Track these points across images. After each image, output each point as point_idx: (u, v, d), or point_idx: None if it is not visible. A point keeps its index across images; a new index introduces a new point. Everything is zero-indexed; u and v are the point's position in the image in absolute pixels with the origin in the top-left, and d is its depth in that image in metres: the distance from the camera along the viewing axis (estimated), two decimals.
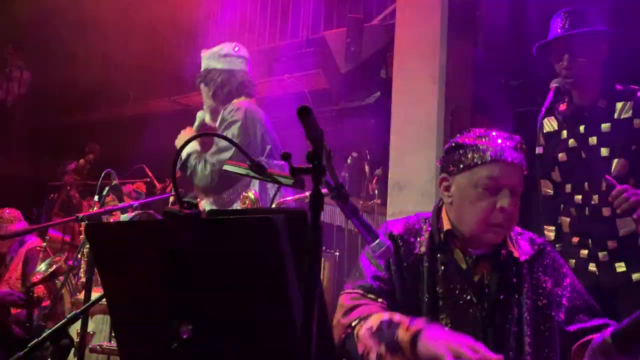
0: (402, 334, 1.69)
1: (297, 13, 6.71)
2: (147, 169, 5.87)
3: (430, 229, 1.97)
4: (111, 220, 3.66)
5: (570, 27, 2.71)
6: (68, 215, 4.21)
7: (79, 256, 3.68)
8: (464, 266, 1.93)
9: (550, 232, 2.89)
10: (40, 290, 4.77)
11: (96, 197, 3.61)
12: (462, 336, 1.66)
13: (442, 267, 1.91)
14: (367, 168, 5.09)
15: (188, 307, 1.31)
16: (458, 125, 3.97)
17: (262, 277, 1.26)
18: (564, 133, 2.82)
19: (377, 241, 1.52)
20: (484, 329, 1.87)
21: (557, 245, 2.85)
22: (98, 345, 3.13)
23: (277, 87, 6.01)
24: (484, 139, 1.90)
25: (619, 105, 2.71)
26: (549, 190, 2.90)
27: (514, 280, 1.92)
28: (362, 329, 1.76)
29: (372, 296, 1.87)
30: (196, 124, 3.65)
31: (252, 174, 1.50)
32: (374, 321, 1.74)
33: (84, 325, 2.71)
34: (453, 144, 1.96)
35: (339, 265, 4.80)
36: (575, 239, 2.80)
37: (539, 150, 2.78)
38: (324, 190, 1.29)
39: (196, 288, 1.31)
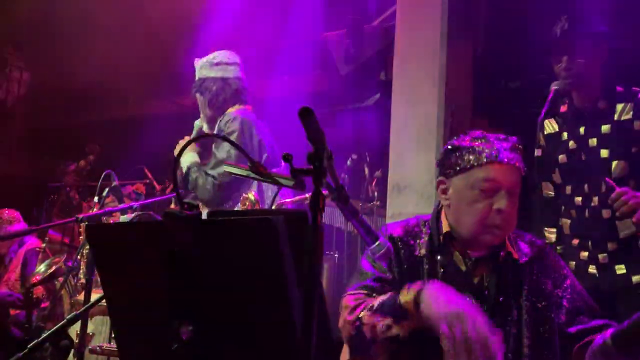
0: (404, 296, 1.71)
1: (297, 14, 6.71)
2: (146, 170, 5.87)
3: (429, 231, 1.98)
4: (111, 222, 3.66)
5: (569, 29, 2.71)
6: (68, 217, 4.21)
7: (79, 257, 3.68)
8: (463, 268, 1.93)
9: (551, 234, 2.89)
10: (39, 291, 4.77)
11: (96, 199, 3.61)
12: (462, 299, 1.68)
13: (442, 269, 1.92)
14: (366, 170, 5.09)
15: (188, 308, 1.31)
16: (458, 127, 3.97)
17: (262, 278, 1.26)
18: (565, 135, 2.82)
19: (377, 243, 1.52)
20: None
21: (558, 248, 2.85)
22: (98, 346, 3.13)
23: (277, 89, 6.01)
24: (479, 141, 1.91)
25: (619, 106, 2.71)
26: (550, 192, 2.90)
27: (514, 282, 1.92)
28: (365, 315, 1.77)
29: (376, 295, 1.88)
30: (194, 133, 3.66)
31: (252, 175, 1.50)
32: (373, 301, 1.75)
33: (84, 327, 2.71)
34: (449, 147, 1.97)
35: (339, 267, 4.80)
36: (575, 241, 2.80)
37: (538, 152, 2.78)
38: (324, 192, 1.29)
39: (196, 289, 1.31)
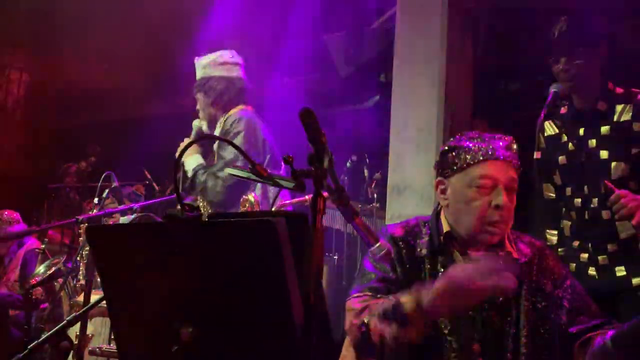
0: (406, 301, 1.69)
1: (297, 16, 6.71)
2: (146, 172, 5.87)
3: (429, 231, 1.99)
4: (110, 223, 3.66)
5: (567, 30, 2.71)
6: (68, 218, 4.21)
7: (78, 259, 3.68)
8: None
9: (552, 237, 2.89)
10: (38, 292, 4.76)
11: (96, 200, 3.62)
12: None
13: (442, 269, 1.92)
14: (366, 171, 5.10)
15: (188, 309, 1.31)
16: (458, 129, 3.97)
17: (262, 280, 1.27)
18: (564, 136, 2.82)
19: (377, 244, 1.52)
20: (482, 330, 1.88)
21: (559, 250, 2.85)
22: (97, 347, 3.13)
23: (277, 90, 6.01)
24: (475, 141, 1.94)
25: (618, 107, 2.71)
26: (551, 194, 2.90)
27: None
28: (371, 320, 1.77)
29: (381, 296, 1.88)
30: (193, 133, 3.63)
31: (253, 177, 1.51)
32: (379, 307, 1.75)
33: (83, 328, 2.71)
34: (446, 147, 2.00)
35: (338, 269, 4.80)
36: (575, 243, 2.80)
37: (537, 154, 2.78)
38: (325, 194, 1.29)
39: (196, 290, 1.31)
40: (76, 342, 2.81)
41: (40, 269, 4.37)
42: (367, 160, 5.08)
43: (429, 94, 4.18)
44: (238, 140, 3.35)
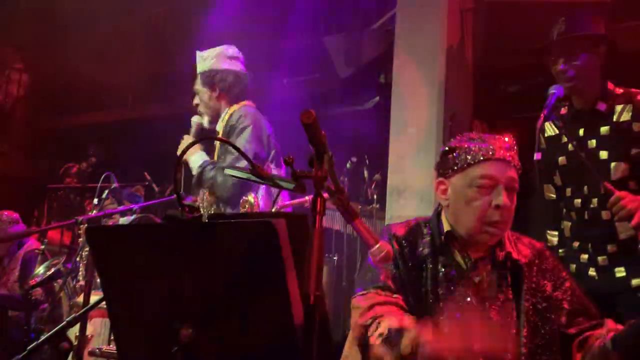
0: (406, 337, 1.70)
1: (297, 17, 6.71)
2: (145, 173, 5.87)
3: (430, 231, 2.00)
4: (110, 224, 3.66)
5: (565, 31, 2.72)
6: (68, 218, 4.21)
7: (78, 259, 3.68)
8: (464, 268, 1.95)
9: (553, 237, 2.89)
10: (38, 293, 4.76)
11: (95, 200, 3.61)
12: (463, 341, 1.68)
13: (443, 269, 1.93)
14: (366, 173, 5.09)
15: (188, 310, 1.31)
16: (457, 131, 3.97)
17: (262, 281, 1.27)
18: (565, 137, 2.82)
19: (377, 245, 1.52)
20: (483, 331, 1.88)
21: (560, 251, 2.85)
22: (97, 348, 3.12)
23: (277, 91, 6.01)
24: (476, 141, 1.95)
25: (618, 108, 2.71)
26: (551, 195, 2.91)
27: (513, 282, 1.94)
28: (374, 335, 1.78)
29: (388, 293, 1.89)
30: (192, 130, 3.57)
31: (253, 178, 1.51)
32: (383, 327, 1.76)
33: (83, 329, 2.71)
34: (447, 148, 2.01)
35: (338, 269, 4.80)
36: (575, 244, 2.80)
37: (537, 156, 2.77)
38: (325, 195, 1.29)
39: (196, 291, 1.31)
40: (76, 343, 2.81)
41: (40, 269, 4.36)
42: (367, 162, 5.08)
43: (428, 96, 4.19)
44: (245, 135, 3.32)
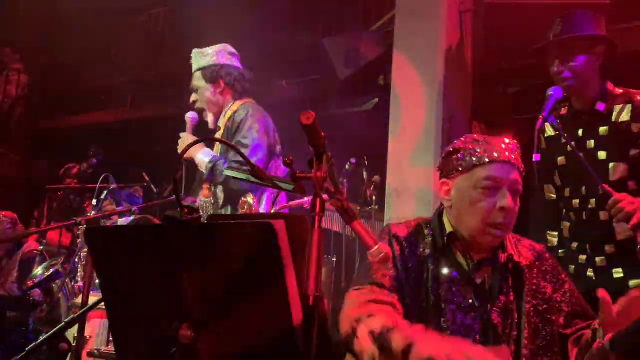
0: (396, 341, 1.68)
1: (296, 19, 6.72)
2: (144, 174, 5.87)
3: (431, 232, 1.99)
4: (109, 224, 3.66)
5: (562, 32, 2.72)
6: (67, 219, 4.21)
7: (76, 260, 3.68)
8: (466, 269, 1.95)
9: (553, 238, 2.89)
10: (36, 294, 4.76)
11: (94, 201, 3.61)
12: (459, 342, 1.66)
13: (445, 270, 1.92)
14: (365, 174, 5.09)
15: (187, 311, 1.31)
16: (456, 132, 3.98)
17: (261, 281, 1.27)
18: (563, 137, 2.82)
19: (376, 247, 1.52)
20: (484, 332, 1.89)
21: (560, 251, 2.85)
22: (96, 349, 3.12)
23: (277, 93, 6.02)
24: (481, 142, 1.95)
25: (617, 108, 2.71)
26: (552, 195, 2.91)
27: (515, 284, 1.94)
28: (364, 330, 1.75)
29: (383, 291, 1.88)
30: (187, 126, 3.49)
31: (252, 179, 1.50)
32: (376, 324, 1.73)
33: (81, 330, 2.70)
34: (451, 149, 2.01)
35: (336, 271, 4.80)
36: (574, 244, 2.81)
37: (536, 157, 2.78)
38: (324, 196, 1.29)
39: (196, 292, 1.31)
40: (74, 344, 2.80)
41: (39, 270, 4.37)
42: (366, 163, 5.08)
43: (428, 97, 4.19)
44: (254, 132, 3.31)
